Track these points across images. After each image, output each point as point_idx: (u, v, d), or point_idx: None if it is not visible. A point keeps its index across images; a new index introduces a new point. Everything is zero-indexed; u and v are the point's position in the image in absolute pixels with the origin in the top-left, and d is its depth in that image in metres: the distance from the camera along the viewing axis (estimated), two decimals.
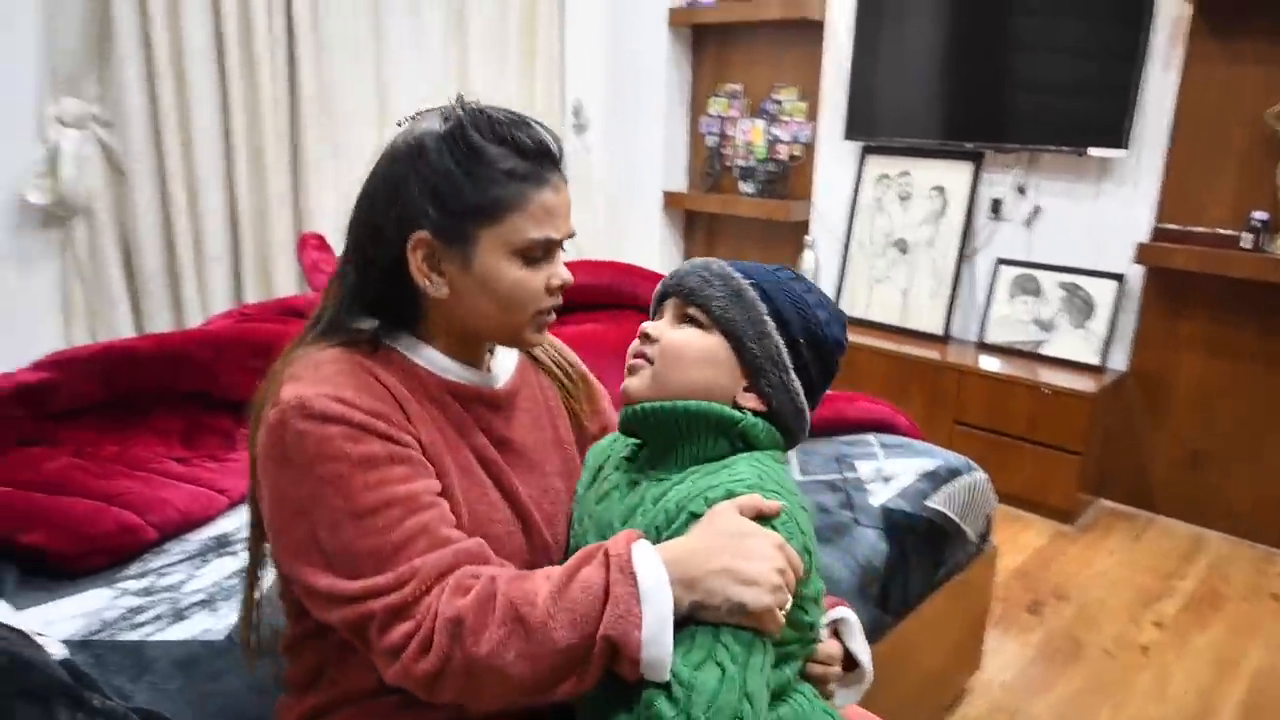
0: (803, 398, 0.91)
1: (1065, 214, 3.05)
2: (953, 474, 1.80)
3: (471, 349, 0.93)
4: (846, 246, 3.54)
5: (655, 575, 0.73)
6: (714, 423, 0.88)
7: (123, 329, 2.59)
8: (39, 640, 0.99)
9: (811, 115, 3.65)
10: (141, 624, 1.20)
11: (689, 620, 0.75)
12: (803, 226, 3.71)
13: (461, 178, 0.83)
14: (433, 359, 0.90)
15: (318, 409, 0.78)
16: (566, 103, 3.73)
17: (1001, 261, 3.17)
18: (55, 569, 1.31)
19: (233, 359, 1.63)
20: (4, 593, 1.26)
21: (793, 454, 1.69)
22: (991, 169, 3.18)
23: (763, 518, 0.80)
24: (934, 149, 3.27)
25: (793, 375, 0.90)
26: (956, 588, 1.81)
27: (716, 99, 3.90)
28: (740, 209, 3.82)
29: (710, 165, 3.95)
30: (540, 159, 0.85)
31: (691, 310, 0.91)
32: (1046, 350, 3.06)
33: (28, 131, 2.41)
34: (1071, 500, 2.87)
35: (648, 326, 0.93)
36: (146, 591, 1.28)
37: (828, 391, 0.97)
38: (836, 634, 0.98)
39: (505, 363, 0.99)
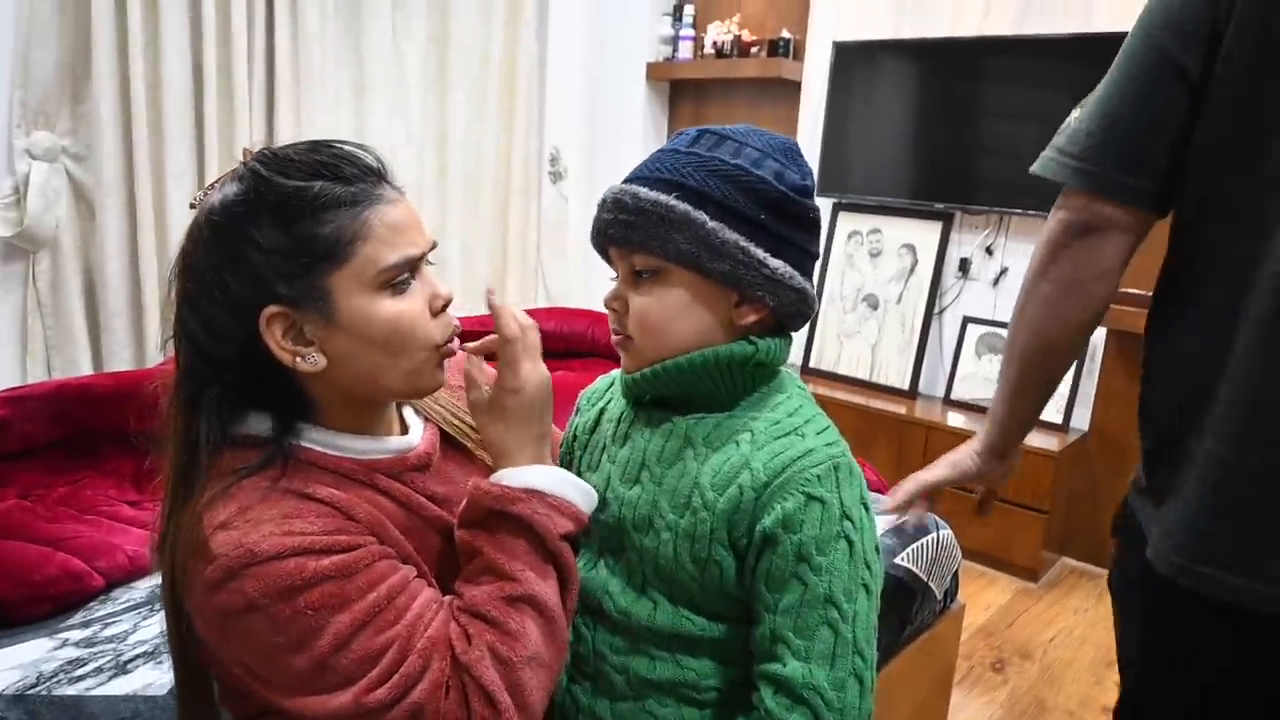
0: (798, 276, 0.81)
1: None
2: (920, 531, 1.80)
3: (376, 416, 0.85)
4: (818, 301, 3.56)
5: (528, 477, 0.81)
6: (725, 367, 0.82)
7: (82, 365, 2.54)
8: None
9: None
10: (81, 677, 1.15)
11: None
12: None
13: (287, 229, 0.74)
14: (347, 444, 0.81)
15: (271, 549, 0.70)
16: (544, 151, 3.76)
17: (969, 320, 3.22)
18: None
19: None
20: None
21: None
22: (963, 229, 3.24)
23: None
24: (904, 208, 3.33)
25: (775, 261, 0.79)
26: (923, 646, 1.80)
27: None
28: None
29: None
30: (364, 177, 0.77)
31: (637, 262, 0.82)
32: None
33: None
34: (1036, 558, 2.88)
35: (611, 294, 0.85)
36: (89, 642, 1.24)
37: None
38: None
39: (412, 415, 0.92)
